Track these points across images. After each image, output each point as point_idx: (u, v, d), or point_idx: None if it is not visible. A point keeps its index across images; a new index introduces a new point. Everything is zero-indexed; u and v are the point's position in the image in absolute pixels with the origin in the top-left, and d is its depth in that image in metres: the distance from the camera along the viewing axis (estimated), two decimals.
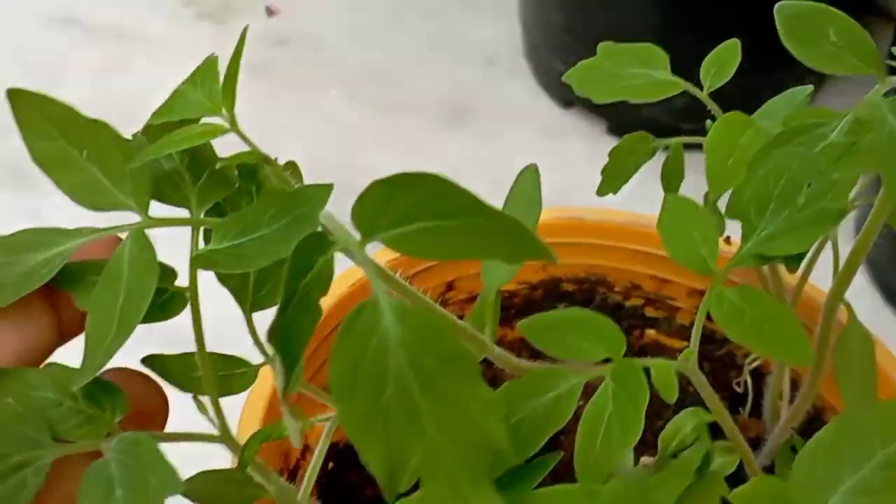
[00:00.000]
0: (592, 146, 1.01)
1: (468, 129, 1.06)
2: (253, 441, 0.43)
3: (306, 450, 0.63)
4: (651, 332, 0.66)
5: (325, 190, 0.36)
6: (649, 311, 0.66)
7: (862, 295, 0.89)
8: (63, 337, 0.39)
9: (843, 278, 0.47)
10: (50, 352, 0.39)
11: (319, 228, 0.34)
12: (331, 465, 0.64)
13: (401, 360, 0.31)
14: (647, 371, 0.40)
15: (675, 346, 0.67)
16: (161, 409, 0.41)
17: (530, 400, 0.40)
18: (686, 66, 0.50)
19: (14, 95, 0.38)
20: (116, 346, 0.36)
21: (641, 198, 0.58)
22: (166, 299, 0.40)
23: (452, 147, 1.06)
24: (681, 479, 0.35)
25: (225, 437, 0.42)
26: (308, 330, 0.34)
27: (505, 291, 0.67)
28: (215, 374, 0.42)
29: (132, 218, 0.38)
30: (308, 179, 0.42)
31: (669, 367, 0.40)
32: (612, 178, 0.53)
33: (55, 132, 0.39)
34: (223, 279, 0.43)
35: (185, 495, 0.45)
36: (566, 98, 1.06)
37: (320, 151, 1.02)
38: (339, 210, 0.35)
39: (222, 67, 0.40)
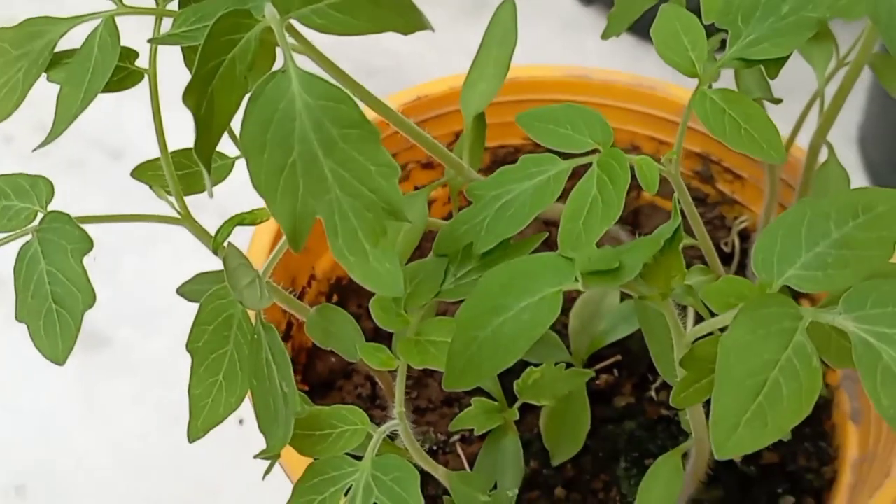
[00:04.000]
0: (609, 43, 1.03)
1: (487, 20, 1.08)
2: (225, 226, 0.45)
3: (313, 278, 0.66)
4: (647, 195, 0.69)
5: None
6: (664, 172, 0.69)
7: None
8: None
9: (827, 118, 0.50)
10: None
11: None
12: (335, 297, 0.67)
13: (306, 124, 0.35)
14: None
15: (670, 209, 0.69)
16: None
17: (522, 182, 0.43)
18: None
19: None
20: (79, 112, 0.40)
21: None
22: (125, 75, 0.44)
23: (472, 37, 1.08)
24: (649, 247, 0.38)
25: (186, 219, 0.45)
26: (231, 101, 0.37)
27: (510, 146, 0.70)
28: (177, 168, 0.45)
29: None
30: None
31: (652, 162, 0.43)
32: (618, 21, 0.56)
33: None
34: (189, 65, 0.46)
35: (181, 294, 0.48)
36: None
37: None
38: None
39: None
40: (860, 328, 0.35)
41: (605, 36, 0.57)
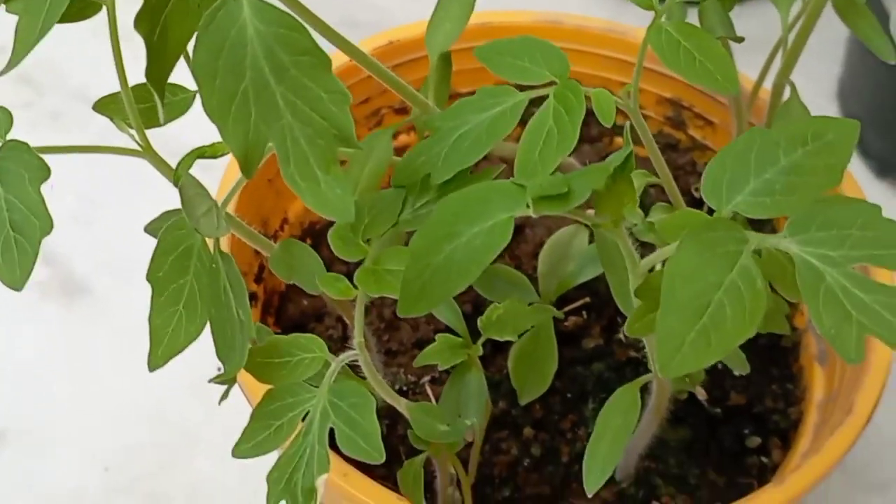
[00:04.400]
0: None
1: None
2: (187, 158, 0.45)
3: (285, 222, 0.67)
4: (619, 140, 0.70)
5: None
6: (619, 119, 0.69)
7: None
8: None
9: (789, 58, 0.50)
10: None
11: None
12: (308, 241, 0.68)
13: (257, 51, 0.35)
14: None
15: (644, 155, 0.70)
16: None
17: (479, 114, 0.43)
18: None
19: None
20: (36, 42, 0.40)
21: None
22: (84, 5, 0.43)
23: None
24: (600, 173, 0.38)
25: (147, 150, 0.45)
26: (185, 28, 0.38)
27: None
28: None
29: None
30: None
31: (608, 94, 0.43)
32: None
33: None
34: None
35: (148, 232, 0.49)
36: None
37: None
38: None
39: None
40: (804, 251, 0.36)
41: None
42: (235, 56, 0.36)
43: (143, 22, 0.36)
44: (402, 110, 0.68)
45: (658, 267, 0.42)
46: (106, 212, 0.88)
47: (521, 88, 0.44)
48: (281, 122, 0.36)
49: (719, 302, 0.35)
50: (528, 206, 0.38)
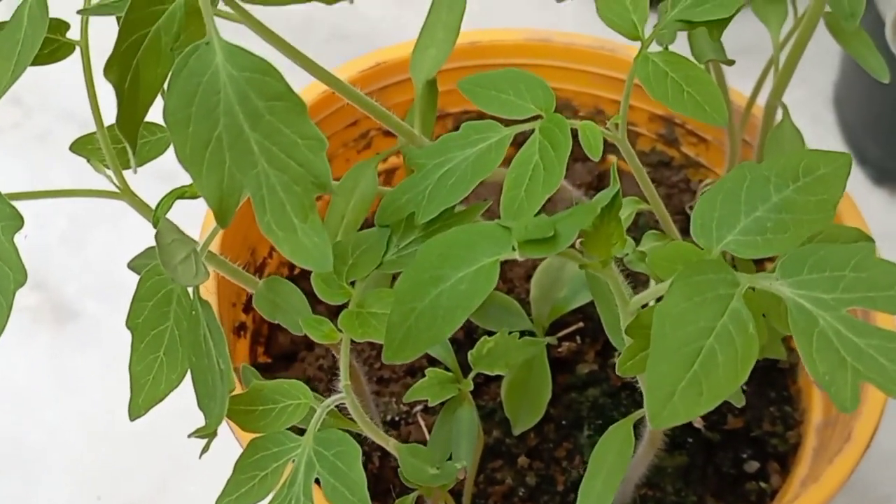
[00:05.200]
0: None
1: None
2: (165, 201, 0.44)
3: (273, 249, 0.66)
4: (611, 158, 0.68)
5: None
6: (610, 137, 0.68)
7: None
8: None
9: (781, 79, 0.49)
10: None
11: None
12: (297, 269, 0.67)
13: (231, 96, 0.34)
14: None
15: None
16: None
17: (464, 150, 0.42)
18: None
19: None
20: (9, 85, 0.39)
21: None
22: (56, 48, 0.43)
23: None
24: (586, 214, 0.37)
25: (125, 193, 0.44)
26: (157, 74, 0.37)
27: (473, 112, 0.69)
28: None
29: None
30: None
31: (595, 127, 0.42)
32: None
33: None
34: None
35: (131, 269, 0.48)
36: None
37: None
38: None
39: None
40: (796, 294, 0.35)
41: None
42: (209, 102, 0.35)
43: (114, 68, 0.35)
44: (391, 133, 0.67)
45: (651, 303, 0.41)
46: (97, 234, 0.87)
47: (506, 122, 0.43)
48: (256, 170, 0.35)
49: (710, 348, 0.34)
50: (513, 249, 0.37)
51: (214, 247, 0.55)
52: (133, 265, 0.48)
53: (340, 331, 0.42)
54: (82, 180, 0.46)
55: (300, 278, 0.63)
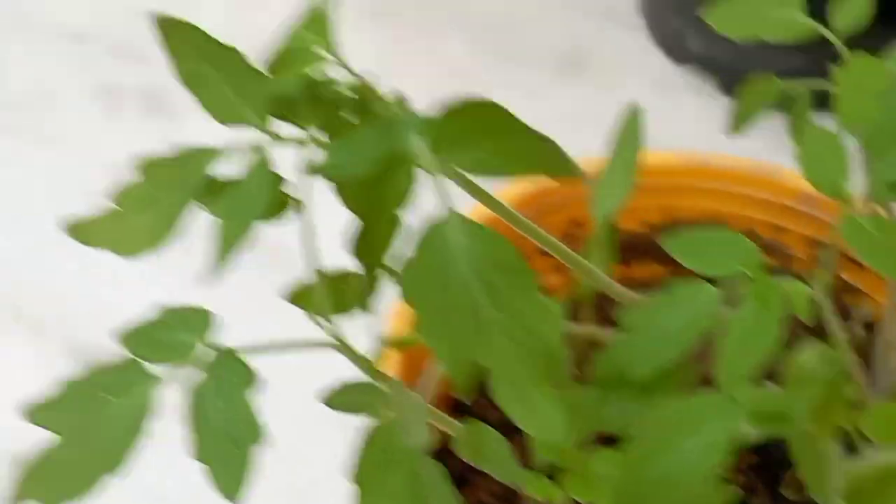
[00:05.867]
0: (704, 102, 1.04)
1: (581, 80, 1.10)
2: (385, 351, 0.46)
3: None
4: None
5: (416, 115, 0.40)
6: (765, 259, 0.69)
7: None
8: None
9: None
10: None
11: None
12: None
13: (467, 271, 0.36)
14: None
15: None
16: None
17: (673, 310, 0.43)
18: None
19: (162, 22, 0.42)
20: (239, 241, 0.40)
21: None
22: (279, 205, 0.44)
23: (568, 101, 1.09)
24: (812, 389, 0.38)
25: (344, 348, 0.45)
26: (387, 240, 0.39)
27: (627, 231, 0.70)
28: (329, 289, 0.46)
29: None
30: None
31: (804, 289, 0.43)
32: (742, 119, 0.57)
33: (197, 55, 0.43)
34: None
35: (329, 405, 0.49)
36: (679, 54, 1.08)
37: (438, 94, 1.06)
38: None
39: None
40: None
41: (730, 133, 0.58)
42: (444, 277, 0.37)
43: (355, 246, 0.37)
44: (547, 252, 0.68)
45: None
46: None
47: (709, 279, 0.45)
48: (494, 344, 0.37)
49: None
50: (743, 423, 0.38)
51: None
52: (333, 403, 0.49)
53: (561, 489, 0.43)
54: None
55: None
